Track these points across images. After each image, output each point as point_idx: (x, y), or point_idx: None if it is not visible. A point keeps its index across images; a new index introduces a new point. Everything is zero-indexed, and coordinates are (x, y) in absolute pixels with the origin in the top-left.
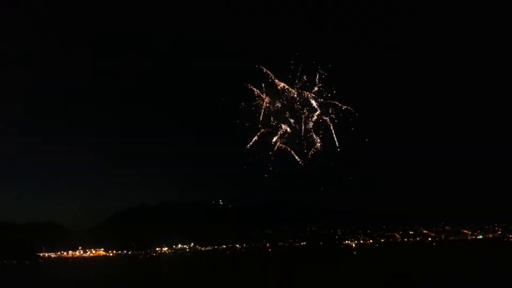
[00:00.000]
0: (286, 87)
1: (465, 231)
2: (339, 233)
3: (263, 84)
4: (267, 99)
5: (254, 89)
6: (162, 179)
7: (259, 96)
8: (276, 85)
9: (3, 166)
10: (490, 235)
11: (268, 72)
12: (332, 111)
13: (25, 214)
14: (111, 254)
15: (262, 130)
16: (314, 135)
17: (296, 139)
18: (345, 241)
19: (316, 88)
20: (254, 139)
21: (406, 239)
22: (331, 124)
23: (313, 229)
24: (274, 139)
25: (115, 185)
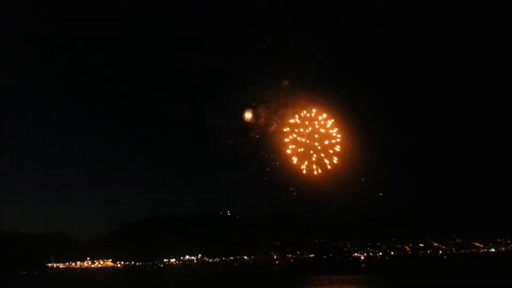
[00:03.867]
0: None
1: (476, 244)
2: (348, 245)
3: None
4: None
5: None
6: (170, 191)
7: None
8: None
9: (13, 176)
10: (503, 248)
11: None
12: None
13: (34, 224)
14: (119, 265)
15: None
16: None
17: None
18: (354, 253)
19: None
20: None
21: (416, 252)
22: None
23: (322, 241)
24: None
25: (124, 197)
